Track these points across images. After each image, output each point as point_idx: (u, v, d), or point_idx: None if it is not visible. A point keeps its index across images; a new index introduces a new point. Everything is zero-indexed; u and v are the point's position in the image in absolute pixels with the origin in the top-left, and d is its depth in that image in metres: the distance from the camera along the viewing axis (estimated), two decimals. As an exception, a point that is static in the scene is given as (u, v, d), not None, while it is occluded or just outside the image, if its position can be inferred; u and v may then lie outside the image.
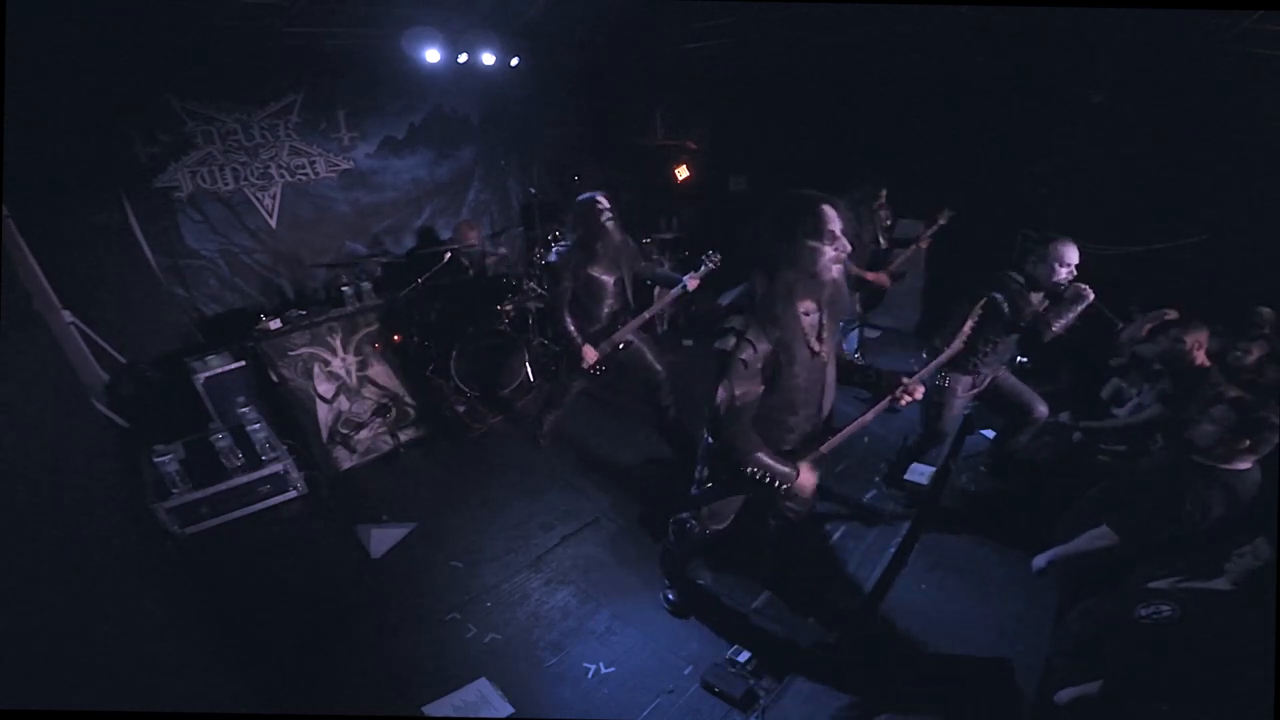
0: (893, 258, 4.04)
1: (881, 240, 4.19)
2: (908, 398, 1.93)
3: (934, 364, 2.30)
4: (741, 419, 1.80)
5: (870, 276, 3.87)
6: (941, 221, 3.71)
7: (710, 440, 2.06)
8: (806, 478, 1.95)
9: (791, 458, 1.94)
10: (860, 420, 2.00)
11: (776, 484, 1.91)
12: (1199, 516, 2.05)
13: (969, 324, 2.26)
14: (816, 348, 1.81)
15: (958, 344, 2.26)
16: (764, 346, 1.72)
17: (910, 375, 2.00)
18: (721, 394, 1.77)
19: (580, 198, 3.14)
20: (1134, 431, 3.13)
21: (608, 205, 3.11)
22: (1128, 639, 1.90)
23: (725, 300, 1.86)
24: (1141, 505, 2.20)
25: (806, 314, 1.77)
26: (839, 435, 2.00)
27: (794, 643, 2.48)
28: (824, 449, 1.99)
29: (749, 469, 1.87)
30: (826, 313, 1.81)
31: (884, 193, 4.11)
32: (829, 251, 1.68)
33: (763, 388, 1.79)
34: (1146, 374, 3.31)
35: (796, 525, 2.39)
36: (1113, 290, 3.28)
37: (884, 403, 1.97)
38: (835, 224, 1.67)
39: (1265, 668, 1.61)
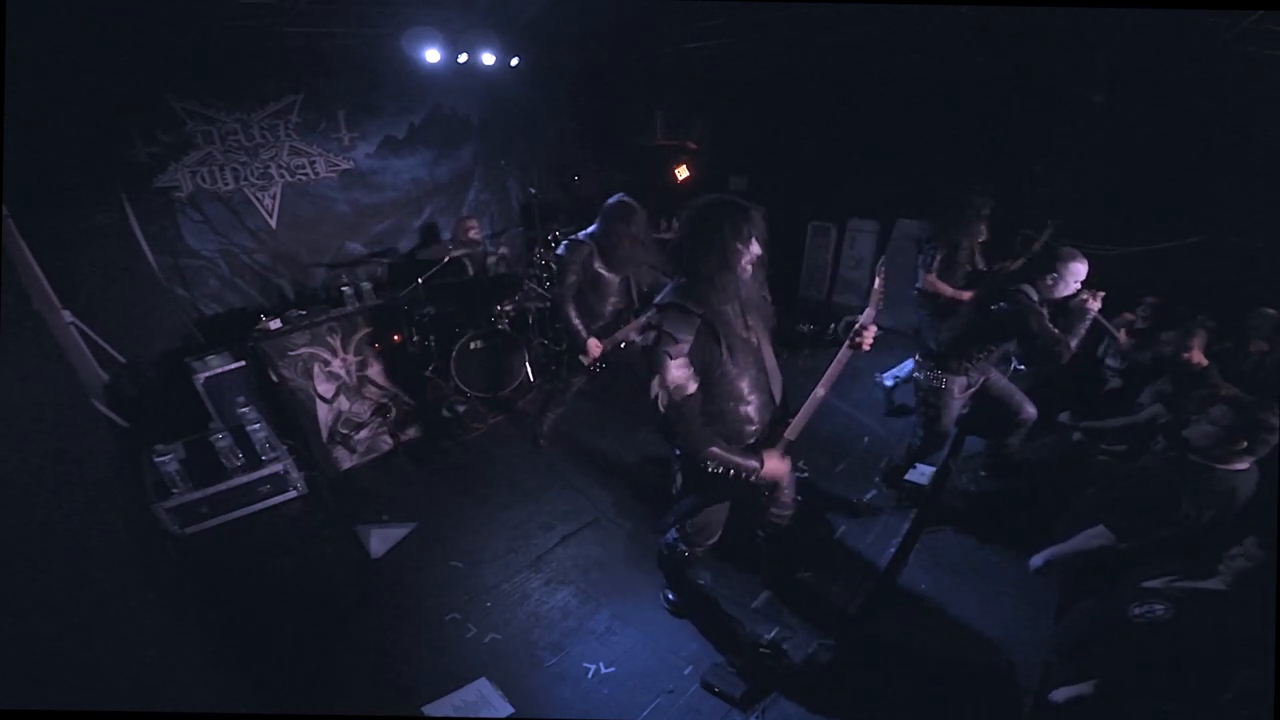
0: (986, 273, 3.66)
1: (979, 260, 3.65)
2: (866, 335, 1.86)
3: (873, 306, 1.94)
4: (685, 415, 1.80)
5: (965, 296, 3.45)
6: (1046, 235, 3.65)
7: (678, 452, 2.05)
8: (774, 465, 1.91)
9: (756, 451, 1.92)
10: (825, 378, 1.90)
11: (746, 477, 1.89)
12: (1195, 516, 2.05)
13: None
14: (744, 333, 1.87)
15: (878, 287, 1.96)
16: (685, 336, 1.76)
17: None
18: (655, 389, 1.79)
19: (615, 199, 3.13)
20: (1134, 431, 3.14)
21: (641, 213, 3.12)
22: (1121, 638, 1.91)
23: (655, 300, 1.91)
24: (1139, 505, 2.21)
25: (725, 304, 1.82)
26: (802, 413, 1.94)
27: (793, 645, 2.48)
28: (789, 435, 1.94)
29: (709, 466, 1.85)
30: (745, 307, 1.87)
31: (988, 209, 3.55)
32: (747, 254, 1.78)
33: (697, 382, 1.80)
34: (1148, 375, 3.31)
35: (784, 532, 2.38)
36: (1113, 290, 3.28)
37: (843, 352, 1.88)
38: (758, 228, 1.78)
39: (1264, 667, 1.61)
